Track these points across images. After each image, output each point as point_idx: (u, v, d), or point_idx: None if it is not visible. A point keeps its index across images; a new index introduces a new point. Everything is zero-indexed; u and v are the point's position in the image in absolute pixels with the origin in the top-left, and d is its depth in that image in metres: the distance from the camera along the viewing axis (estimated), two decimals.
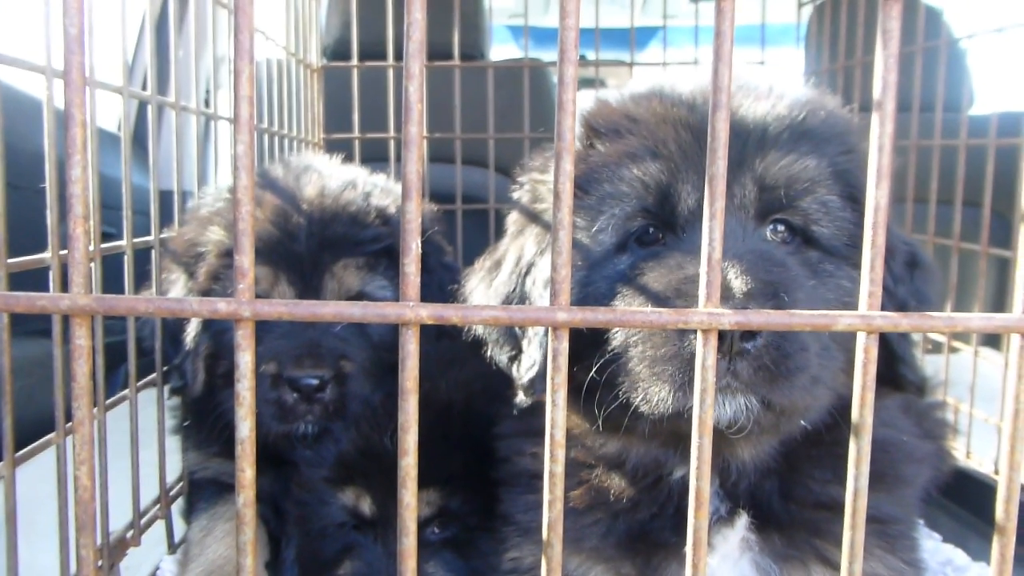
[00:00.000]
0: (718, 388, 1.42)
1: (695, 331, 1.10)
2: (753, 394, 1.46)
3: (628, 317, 1.09)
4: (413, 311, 1.04)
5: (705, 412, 1.08)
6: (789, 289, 1.49)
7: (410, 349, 1.06)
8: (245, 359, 1.05)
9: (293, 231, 2.35)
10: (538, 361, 1.74)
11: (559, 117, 1.05)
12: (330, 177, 2.54)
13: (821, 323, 1.10)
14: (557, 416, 1.08)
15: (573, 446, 1.81)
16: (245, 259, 1.03)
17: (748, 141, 1.67)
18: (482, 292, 1.95)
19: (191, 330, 2.39)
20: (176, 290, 2.42)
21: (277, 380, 2.25)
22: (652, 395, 1.50)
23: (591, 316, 1.08)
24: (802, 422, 1.63)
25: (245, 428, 1.05)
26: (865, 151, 1.15)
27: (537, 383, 1.79)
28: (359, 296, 2.42)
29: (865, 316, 1.08)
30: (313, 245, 2.35)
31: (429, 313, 1.04)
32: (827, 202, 1.69)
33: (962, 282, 3.17)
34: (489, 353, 1.87)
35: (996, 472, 2.86)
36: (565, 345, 1.08)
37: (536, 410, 1.90)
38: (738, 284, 1.42)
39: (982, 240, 3.03)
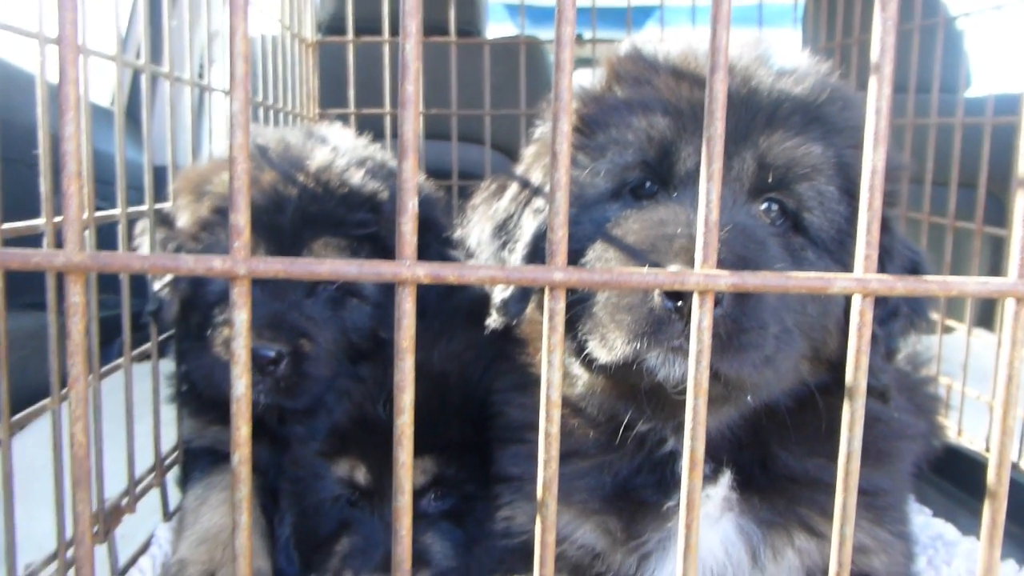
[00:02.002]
0: (671, 348, 1.45)
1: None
2: None
3: (624, 279, 1.09)
4: (410, 270, 1.04)
5: (700, 374, 1.08)
6: (759, 267, 1.49)
7: (406, 308, 1.05)
8: (241, 317, 1.05)
9: (282, 202, 2.30)
10: None
11: (556, 77, 1.04)
12: (341, 154, 2.46)
13: (816, 285, 1.10)
14: (553, 376, 1.08)
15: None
16: (241, 217, 1.03)
17: (758, 115, 1.66)
18: (482, 213, 1.96)
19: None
20: (183, 218, 2.39)
21: None
22: (609, 341, 1.51)
23: (587, 277, 1.08)
24: (750, 399, 1.65)
25: (241, 385, 1.05)
26: None
27: (511, 305, 1.81)
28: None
29: (860, 279, 1.08)
30: (297, 219, 2.31)
31: (426, 272, 1.04)
32: (824, 192, 1.68)
33: (957, 261, 3.18)
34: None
35: (987, 450, 2.87)
36: (562, 305, 1.08)
37: (529, 364, 1.92)
38: None
39: (977, 219, 3.04)
